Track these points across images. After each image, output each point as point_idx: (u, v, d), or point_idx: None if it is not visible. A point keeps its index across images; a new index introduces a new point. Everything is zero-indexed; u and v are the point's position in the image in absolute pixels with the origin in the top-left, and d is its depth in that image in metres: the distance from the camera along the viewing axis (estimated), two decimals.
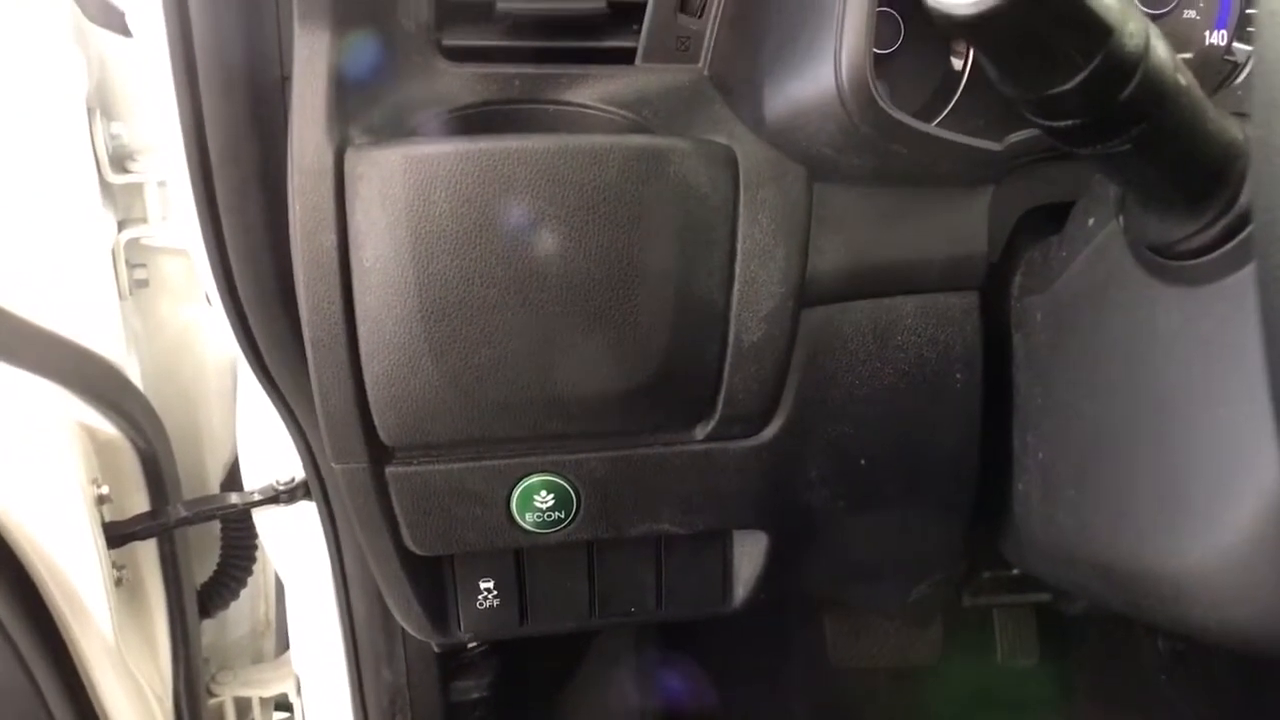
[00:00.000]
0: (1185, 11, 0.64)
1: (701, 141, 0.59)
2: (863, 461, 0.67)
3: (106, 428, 0.83)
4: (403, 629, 0.73)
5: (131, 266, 0.90)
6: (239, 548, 1.00)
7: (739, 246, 0.59)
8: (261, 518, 0.84)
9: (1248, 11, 0.64)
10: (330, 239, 0.56)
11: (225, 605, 1.02)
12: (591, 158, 0.55)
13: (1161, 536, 0.49)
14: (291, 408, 0.68)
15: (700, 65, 0.61)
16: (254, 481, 0.82)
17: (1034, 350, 0.63)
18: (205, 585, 1.01)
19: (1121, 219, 0.52)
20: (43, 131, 0.81)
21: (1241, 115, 0.45)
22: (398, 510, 0.63)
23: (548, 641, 0.77)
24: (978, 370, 0.65)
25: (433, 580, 0.69)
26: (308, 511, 0.78)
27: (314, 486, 0.74)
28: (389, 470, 0.62)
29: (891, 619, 1.16)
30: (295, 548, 0.82)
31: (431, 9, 0.59)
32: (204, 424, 0.98)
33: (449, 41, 0.60)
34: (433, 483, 0.62)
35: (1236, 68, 0.65)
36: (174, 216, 0.90)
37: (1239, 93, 0.63)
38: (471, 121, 0.59)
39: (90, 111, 0.83)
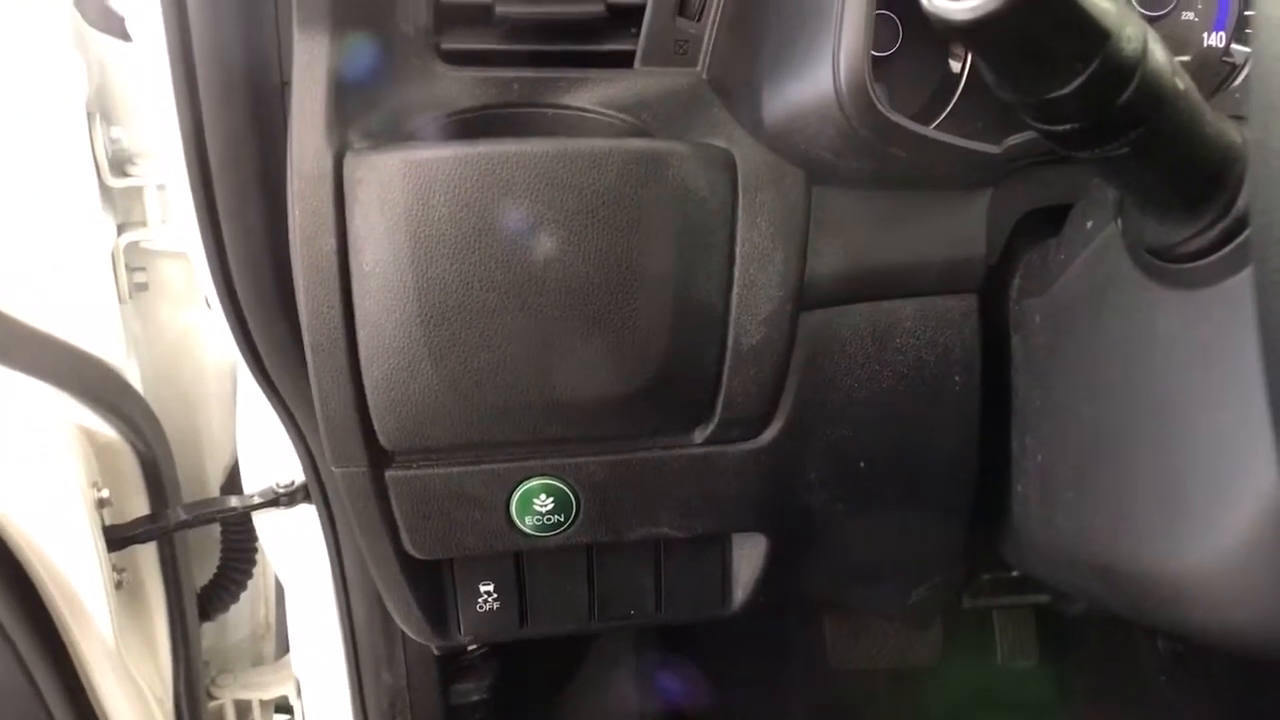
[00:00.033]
0: (1183, 13, 0.64)
1: (700, 145, 0.59)
2: (862, 464, 0.67)
3: (106, 431, 0.83)
4: (403, 631, 0.74)
5: (131, 270, 0.90)
6: (239, 551, 1.00)
7: (738, 250, 0.59)
8: (261, 521, 0.84)
9: (1246, 13, 0.64)
10: (330, 243, 0.56)
11: (225, 608, 1.02)
12: (590, 161, 0.55)
13: (1160, 539, 0.49)
14: (291, 411, 0.68)
15: (699, 69, 0.61)
16: (254, 484, 0.82)
17: (1033, 352, 0.63)
18: (205, 588, 1.01)
19: (1119, 222, 0.52)
20: (43, 135, 0.81)
21: (1239, 118, 0.45)
22: (397, 514, 0.63)
23: (548, 644, 0.77)
24: (976, 373, 0.65)
25: (432, 584, 0.69)
26: (307, 514, 0.78)
27: (314, 490, 0.74)
28: (389, 474, 0.62)
29: (891, 621, 1.16)
30: (295, 551, 0.82)
31: (430, 13, 0.59)
32: (204, 427, 0.98)
33: (447, 45, 0.60)
34: (432, 487, 0.62)
35: (1235, 69, 0.65)
36: (174, 220, 0.90)
37: (1237, 95, 0.63)
38: (470, 125, 0.59)
39: (90, 116, 0.83)
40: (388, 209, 0.55)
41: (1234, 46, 0.64)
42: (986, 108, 0.61)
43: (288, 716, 1.13)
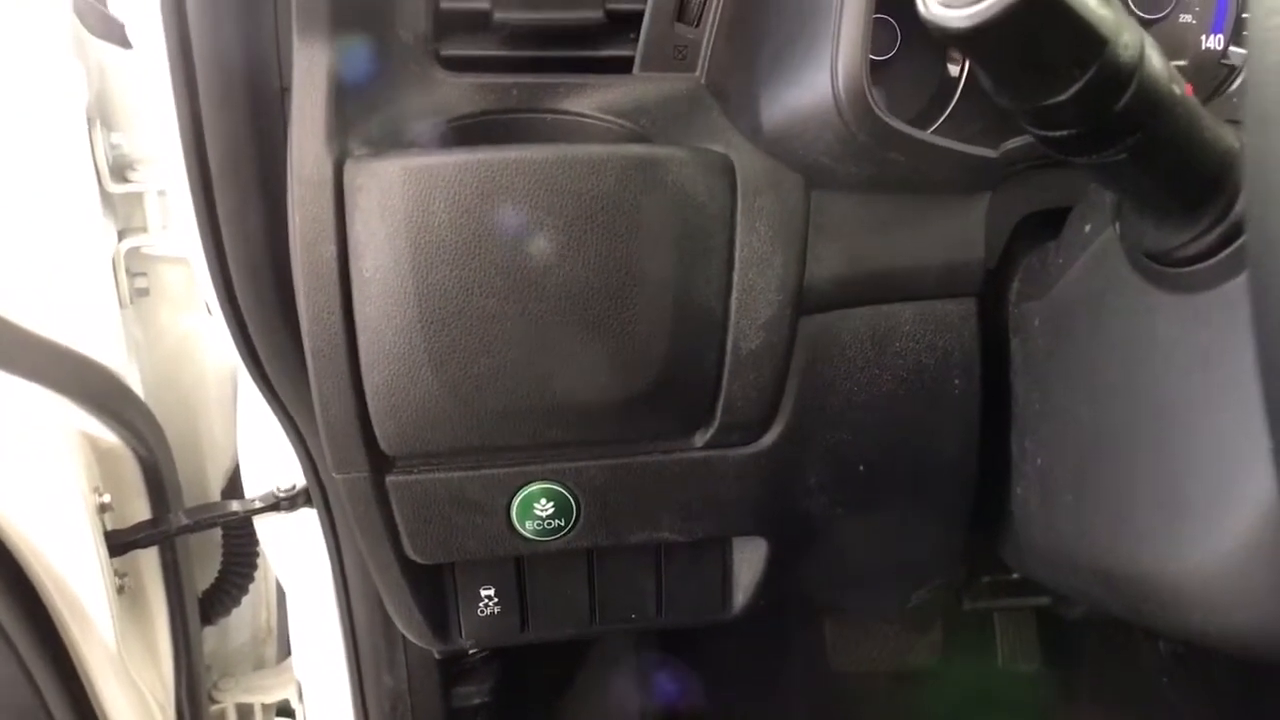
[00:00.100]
0: (1181, 15, 0.64)
1: (699, 150, 0.59)
2: (862, 468, 0.67)
3: (108, 436, 0.83)
4: (404, 635, 0.74)
5: (132, 275, 0.90)
6: (240, 555, 1.00)
7: (737, 255, 0.60)
8: (262, 525, 0.85)
9: (1244, 15, 0.64)
10: (330, 249, 0.56)
11: (227, 612, 1.02)
12: (589, 167, 0.56)
13: (1160, 542, 0.49)
14: (292, 416, 0.68)
15: (697, 74, 0.61)
16: (255, 489, 0.82)
17: (1032, 356, 0.63)
18: (207, 592, 1.01)
19: (1118, 225, 0.52)
20: (43, 141, 0.81)
21: (1237, 123, 0.45)
22: (398, 519, 0.63)
23: (548, 647, 0.77)
24: (976, 376, 0.65)
25: (433, 588, 0.69)
26: (308, 519, 0.78)
27: (315, 494, 0.75)
28: (389, 479, 0.62)
29: (891, 623, 1.16)
30: (296, 555, 0.82)
31: (429, 20, 0.59)
32: (205, 432, 0.98)
33: (447, 52, 0.60)
34: (433, 491, 0.62)
35: (1233, 71, 0.65)
36: (174, 225, 0.90)
37: (1234, 99, 0.63)
38: (470, 131, 0.60)
39: (90, 121, 0.83)
40: (388, 215, 0.55)
41: (1232, 49, 0.64)
42: (984, 112, 0.61)
43: None
